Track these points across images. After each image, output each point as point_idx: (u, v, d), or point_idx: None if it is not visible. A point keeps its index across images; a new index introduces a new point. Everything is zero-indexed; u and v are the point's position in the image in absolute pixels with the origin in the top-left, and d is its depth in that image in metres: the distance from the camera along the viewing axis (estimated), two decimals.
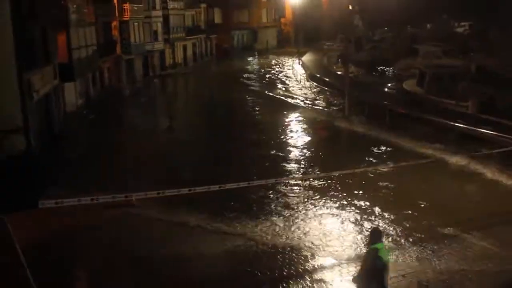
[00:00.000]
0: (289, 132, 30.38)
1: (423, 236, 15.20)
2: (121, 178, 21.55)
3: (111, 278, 13.32)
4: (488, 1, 52.60)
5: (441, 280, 12.54)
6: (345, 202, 18.04)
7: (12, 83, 11.14)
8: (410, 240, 14.97)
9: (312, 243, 14.72)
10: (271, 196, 18.87)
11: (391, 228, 15.83)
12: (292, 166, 23.46)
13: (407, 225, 16.01)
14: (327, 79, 47.44)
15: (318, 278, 12.80)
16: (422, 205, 17.73)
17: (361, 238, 14.95)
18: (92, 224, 16.19)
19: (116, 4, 48.86)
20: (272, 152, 25.81)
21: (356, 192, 18.84)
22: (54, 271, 13.04)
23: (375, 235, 9.66)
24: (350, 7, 56.17)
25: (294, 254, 14.01)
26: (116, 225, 16.34)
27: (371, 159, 23.45)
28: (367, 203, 17.80)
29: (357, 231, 15.68)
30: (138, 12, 53.50)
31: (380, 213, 17.01)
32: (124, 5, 50.46)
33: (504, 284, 12.78)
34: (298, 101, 41.21)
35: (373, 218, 16.68)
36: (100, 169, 22.26)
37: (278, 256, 13.99)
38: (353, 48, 56.20)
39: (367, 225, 15.94)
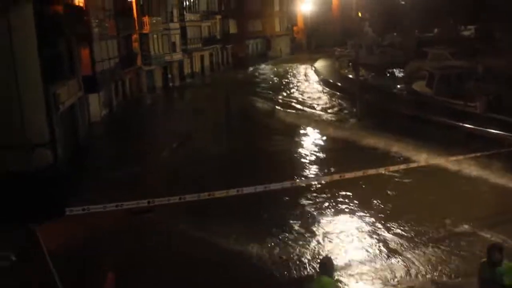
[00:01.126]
0: (302, 135, 30.31)
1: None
2: (144, 186, 21.51)
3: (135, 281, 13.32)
4: (493, 5, 52.03)
5: None
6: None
7: (39, 97, 11.14)
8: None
9: None
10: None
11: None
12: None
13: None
14: (339, 84, 47.29)
15: None
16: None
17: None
18: (116, 229, 16.28)
19: (136, 18, 49.06)
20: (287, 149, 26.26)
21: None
22: (80, 275, 13.10)
23: (323, 267, 8.06)
24: (360, 15, 55.83)
25: None
26: (138, 230, 16.50)
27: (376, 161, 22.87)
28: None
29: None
30: (157, 25, 53.69)
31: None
32: (144, 18, 50.68)
33: None
34: (312, 104, 41.07)
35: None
36: (125, 178, 22.20)
37: None
38: (364, 52, 56.00)
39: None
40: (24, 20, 10.45)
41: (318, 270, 7.74)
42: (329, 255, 7.91)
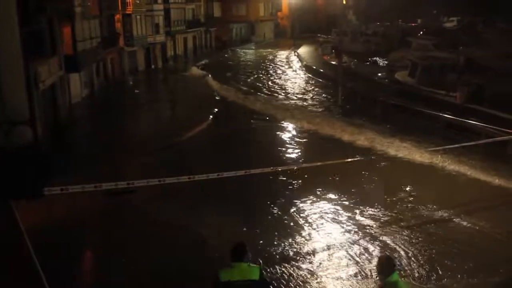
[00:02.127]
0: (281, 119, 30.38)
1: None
2: (125, 166, 21.43)
3: (109, 259, 13.43)
4: None
5: None
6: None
7: (19, 74, 10.96)
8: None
9: None
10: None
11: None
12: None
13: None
14: (321, 70, 47.35)
15: None
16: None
17: None
18: (94, 210, 16.33)
19: None
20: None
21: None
22: (56, 252, 13.14)
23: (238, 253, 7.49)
24: (344, 2, 55.92)
25: None
26: (116, 211, 16.52)
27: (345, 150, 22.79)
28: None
29: None
30: (141, 5, 53.10)
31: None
32: None
33: None
34: (292, 89, 41.10)
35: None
36: (104, 158, 22.07)
37: None
38: (349, 40, 56.22)
39: None
40: None
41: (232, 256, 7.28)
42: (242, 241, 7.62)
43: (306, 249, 14.12)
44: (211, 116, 31.34)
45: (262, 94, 39.25)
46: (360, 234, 14.89)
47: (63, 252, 13.59)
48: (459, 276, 12.51)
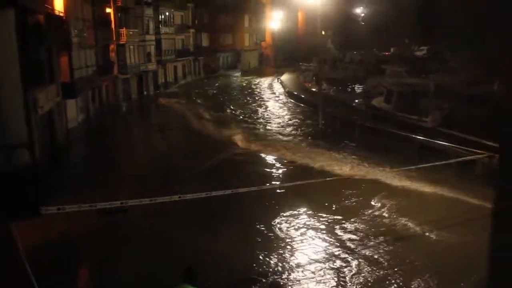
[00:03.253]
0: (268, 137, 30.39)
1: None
2: (118, 187, 21.31)
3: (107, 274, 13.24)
4: (442, 28, 53.26)
5: None
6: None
7: (18, 101, 10.95)
8: None
9: None
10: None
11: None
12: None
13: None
14: (302, 96, 47.65)
15: None
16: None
17: None
18: (89, 228, 16.13)
19: (114, 29, 48.66)
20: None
21: None
22: (52, 269, 12.96)
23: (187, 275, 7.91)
24: (323, 32, 56.42)
25: None
26: (111, 229, 16.32)
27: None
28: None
29: None
30: (134, 36, 53.33)
31: None
32: (121, 30, 50.34)
33: None
34: (276, 113, 41.30)
35: None
36: (99, 180, 21.95)
37: None
38: (328, 67, 56.71)
39: None
40: (6, 27, 10.28)
41: (182, 278, 7.55)
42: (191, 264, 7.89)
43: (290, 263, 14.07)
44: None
45: (247, 118, 39.38)
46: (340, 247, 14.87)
47: (58, 267, 13.40)
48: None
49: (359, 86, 50.91)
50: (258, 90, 60.79)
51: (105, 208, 14.52)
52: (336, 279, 13.10)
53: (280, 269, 13.71)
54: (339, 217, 17.23)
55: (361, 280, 12.96)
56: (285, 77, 68.46)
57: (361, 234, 15.91)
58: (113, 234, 16.16)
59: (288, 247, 15.12)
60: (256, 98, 52.84)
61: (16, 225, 11.27)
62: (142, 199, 14.46)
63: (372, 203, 18.61)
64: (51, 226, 15.24)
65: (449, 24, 49.17)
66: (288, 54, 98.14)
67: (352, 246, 15.02)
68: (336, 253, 14.58)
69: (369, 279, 13.04)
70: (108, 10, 47.81)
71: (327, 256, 14.42)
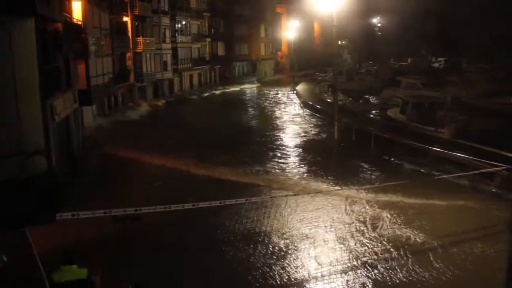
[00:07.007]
0: (281, 152, 30.43)
1: None
2: (134, 193, 21.46)
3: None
4: (461, 39, 53.15)
5: None
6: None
7: (36, 107, 11.16)
8: None
9: None
10: None
11: None
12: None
13: None
14: (318, 106, 47.60)
15: None
16: None
17: None
18: (103, 234, 16.29)
19: (130, 38, 49.19)
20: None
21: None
22: None
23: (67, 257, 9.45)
24: (340, 42, 56.45)
25: None
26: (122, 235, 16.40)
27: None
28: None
29: None
30: (150, 44, 53.85)
31: None
32: (138, 38, 50.88)
33: None
34: (292, 124, 41.32)
35: None
36: (115, 186, 22.14)
37: None
38: (344, 78, 56.56)
39: None
40: (26, 35, 10.47)
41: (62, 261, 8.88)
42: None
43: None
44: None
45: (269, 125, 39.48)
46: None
47: None
48: None
49: (374, 98, 50.74)
50: (271, 100, 60.79)
51: (117, 215, 14.64)
52: None
53: None
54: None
55: None
56: (300, 87, 68.39)
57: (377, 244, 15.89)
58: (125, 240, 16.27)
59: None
60: (270, 108, 52.91)
61: (31, 231, 11.41)
62: (156, 206, 14.59)
63: None
64: (65, 231, 15.38)
65: (469, 36, 49.08)
66: (304, 64, 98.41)
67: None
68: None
69: None
70: (125, 18, 48.40)
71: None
